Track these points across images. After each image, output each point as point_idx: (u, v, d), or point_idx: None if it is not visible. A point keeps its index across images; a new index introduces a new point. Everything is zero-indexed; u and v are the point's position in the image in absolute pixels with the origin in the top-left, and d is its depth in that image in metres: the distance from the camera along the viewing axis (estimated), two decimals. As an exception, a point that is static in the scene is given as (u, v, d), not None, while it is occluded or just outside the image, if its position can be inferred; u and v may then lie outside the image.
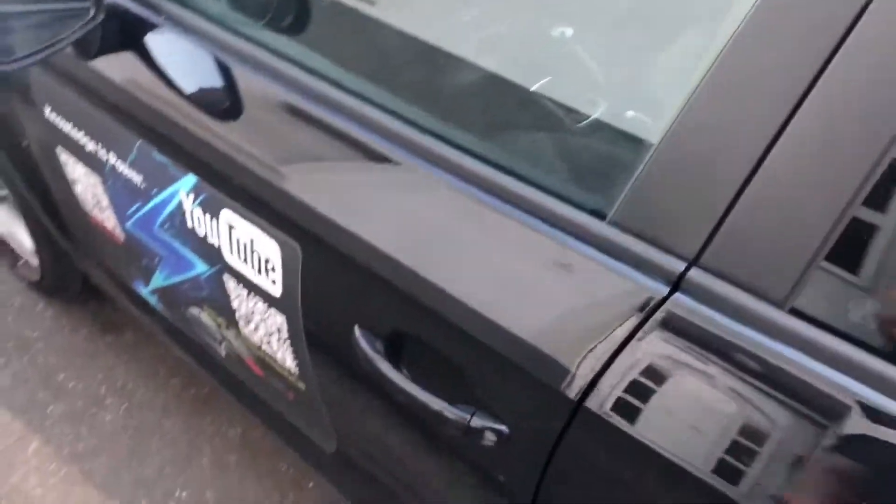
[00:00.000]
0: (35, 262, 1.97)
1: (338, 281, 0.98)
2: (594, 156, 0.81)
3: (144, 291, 1.47)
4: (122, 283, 1.58)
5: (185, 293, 1.30)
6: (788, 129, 0.66)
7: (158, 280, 1.37)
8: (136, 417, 1.91)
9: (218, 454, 1.86)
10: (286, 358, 1.15)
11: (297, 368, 1.14)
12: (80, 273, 1.87)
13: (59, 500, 1.73)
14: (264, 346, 1.18)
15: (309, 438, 1.29)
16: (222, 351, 1.35)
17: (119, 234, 1.38)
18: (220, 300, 1.20)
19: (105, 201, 1.33)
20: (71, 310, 2.14)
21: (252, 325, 1.16)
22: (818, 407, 0.66)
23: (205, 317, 1.30)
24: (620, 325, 0.74)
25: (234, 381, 1.41)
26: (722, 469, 0.70)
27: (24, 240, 1.94)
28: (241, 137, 1.02)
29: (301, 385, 1.17)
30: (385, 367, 0.93)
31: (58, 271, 1.93)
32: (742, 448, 0.69)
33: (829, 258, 0.66)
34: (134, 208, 1.26)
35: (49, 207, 1.62)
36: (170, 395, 1.97)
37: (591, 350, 0.76)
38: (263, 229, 1.01)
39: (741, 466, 0.69)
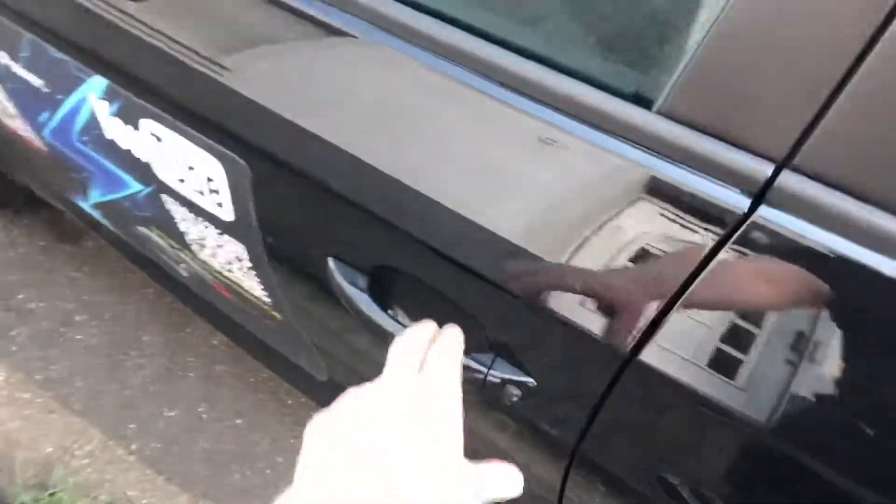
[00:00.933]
0: (-36, 172, 1.74)
1: (303, 203, 0.77)
2: (631, 17, 0.58)
3: (86, 206, 1.25)
4: (62, 197, 1.36)
5: (128, 211, 1.09)
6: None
7: (96, 196, 1.15)
8: (110, 334, 1.74)
9: (205, 365, 1.71)
10: (253, 287, 0.95)
11: (269, 299, 0.95)
12: (18, 184, 1.64)
13: (40, 431, 1.59)
14: (227, 274, 0.98)
15: (298, 366, 1.13)
16: (183, 272, 1.16)
17: (40, 145, 1.14)
18: (165, 222, 0.99)
19: (11, 108, 1.09)
20: (20, 220, 1.93)
21: (208, 251, 0.96)
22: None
23: (155, 237, 1.10)
24: (686, 254, 0.54)
25: (203, 303, 1.23)
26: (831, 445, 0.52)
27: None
28: (154, 22, 0.77)
29: (277, 315, 0.99)
30: (369, 309, 0.73)
31: (-10, 181, 1.70)
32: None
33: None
34: (45, 116, 1.02)
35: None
36: (143, 305, 1.80)
37: (642, 287, 0.56)
38: (196, 143, 0.79)
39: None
